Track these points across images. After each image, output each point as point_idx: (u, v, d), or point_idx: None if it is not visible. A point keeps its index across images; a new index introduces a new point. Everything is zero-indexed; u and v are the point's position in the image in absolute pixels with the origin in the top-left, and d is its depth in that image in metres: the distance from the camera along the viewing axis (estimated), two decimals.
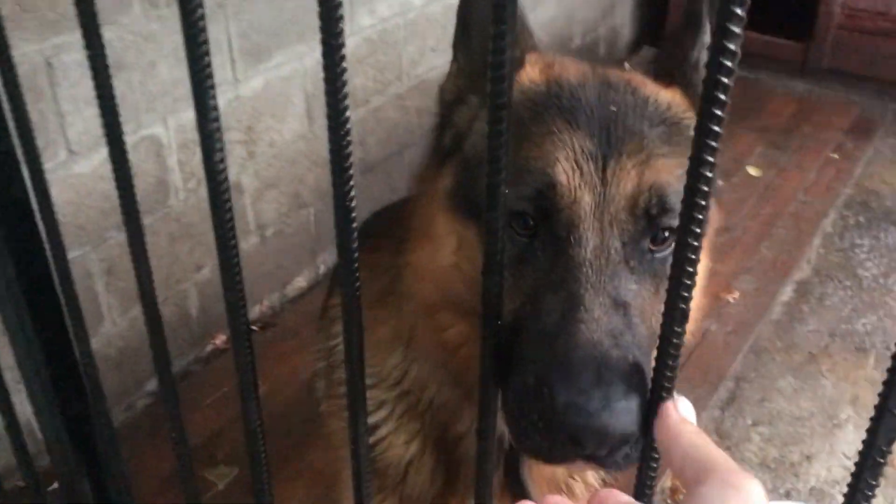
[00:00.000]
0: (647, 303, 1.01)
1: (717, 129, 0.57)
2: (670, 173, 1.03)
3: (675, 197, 0.98)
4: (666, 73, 1.20)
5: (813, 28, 5.16)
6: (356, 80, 3.50)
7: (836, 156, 4.60)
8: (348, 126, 0.71)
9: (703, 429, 0.82)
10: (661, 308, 0.98)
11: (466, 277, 1.14)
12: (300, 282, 3.55)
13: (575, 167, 1.01)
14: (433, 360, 1.35)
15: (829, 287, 3.65)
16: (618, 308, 0.95)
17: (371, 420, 1.42)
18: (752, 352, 3.29)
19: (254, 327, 3.32)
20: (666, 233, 1.04)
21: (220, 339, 3.24)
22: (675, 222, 0.94)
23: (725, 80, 0.55)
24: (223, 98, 2.93)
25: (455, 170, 1.19)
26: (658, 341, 0.91)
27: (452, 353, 1.24)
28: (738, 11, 0.52)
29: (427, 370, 1.38)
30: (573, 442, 0.87)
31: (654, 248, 1.04)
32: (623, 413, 0.83)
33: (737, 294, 3.53)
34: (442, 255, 1.18)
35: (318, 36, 0.68)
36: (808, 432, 2.95)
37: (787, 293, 3.62)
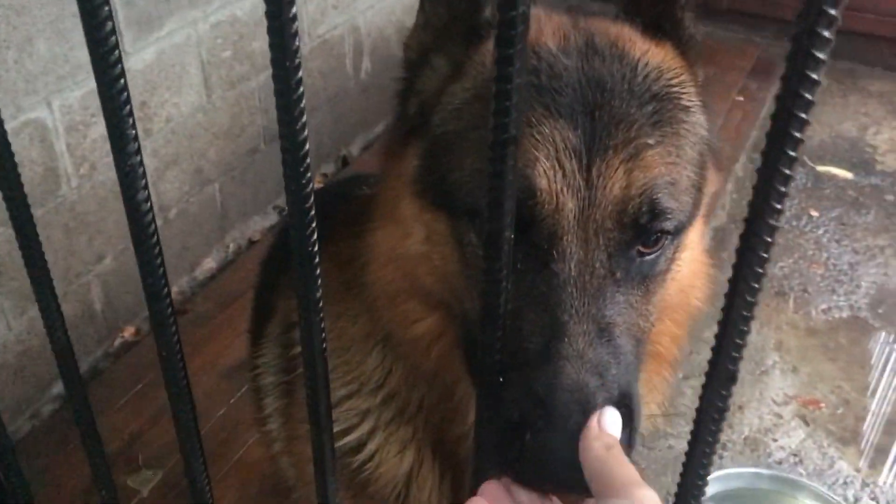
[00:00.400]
0: (635, 311, 0.94)
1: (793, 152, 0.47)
2: (661, 167, 0.93)
3: (667, 196, 0.92)
4: (653, 22, 1.06)
5: None
6: (254, 43, 3.28)
7: (741, 98, 4.63)
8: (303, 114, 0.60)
9: None
10: (651, 308, 0.97)
11: (437, 270, 1.04)
12: (209, 263, 3.35)
13: (557, 167, 0.89)
14: (404, 359, 1.21)
15: None
16: (603, 334, 0.88)
17: (354, 436, 1.25)
18: None
19: None
20: (659, 236, 0.95)
21: (129, 332, 3.04)
22: (668, 225, 0.93)
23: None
24: None
25: (422, 151, 1.06)
26: (645, 338, 0.93)
27: (425, 351, 1.13)
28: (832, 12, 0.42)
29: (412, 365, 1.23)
30: (552, 482, 0.85)
31: (644, 250, 0.95)
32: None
33: None
34: (409, 242, 1.07)
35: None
36: (738, 381, 2.97)
37: (705, 241, 3.63)
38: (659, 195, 0.92)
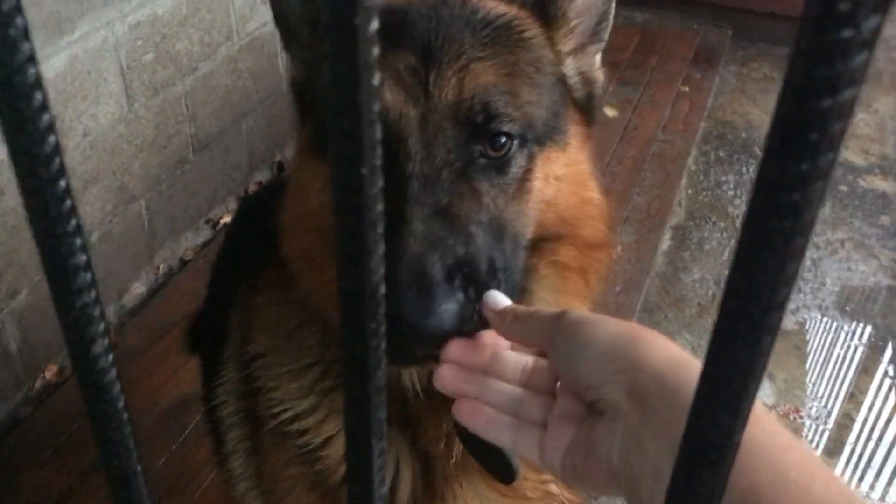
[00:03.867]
0: (494, 207, 1.02)
1: None
2: (492, 76, 1.03)
3: (502, 102, 1.02)
4: None
5: None
6: (179, 45, 2.98)
7: (686, 88, 4.51)
8: None
9: None
10: (516, 211, 1.04)
11: None
12: (138, 288, 3.04)
13: (399, 84, 1.01)
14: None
15: (704, 230, 3.56)
16: (440, 214, 0.96)
17: (319, 439, 1.19)
18: (644, 311, 3.15)
19: None
20: (503, 139, 1.03)
21: (52, 371, 2.71)
22: (507, 128, 1.03)
23: None
24: None
25: (313, 116, 1.16)
26: (521, 240, 1.05)
27: None
28: None
29: None
30: (411, 348, 0.90)
31: (491, 152, 1.03)
32: (445, 315, 0.88)
33: (619, 249, 3.36)
34: (310, 198, 1.13)
35: None
36: None
37: (665, 241, 3.50)
38: (491, 99, 1.02)
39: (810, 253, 3.44)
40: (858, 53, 0.30)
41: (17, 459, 2.45)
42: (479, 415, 0.84)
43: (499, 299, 0.90)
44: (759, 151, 3.98)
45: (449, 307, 0.89)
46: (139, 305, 3.00)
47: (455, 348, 0.88)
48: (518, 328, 0.85)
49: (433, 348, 0.89)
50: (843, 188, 3.83)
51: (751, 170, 3.91)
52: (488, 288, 0.94)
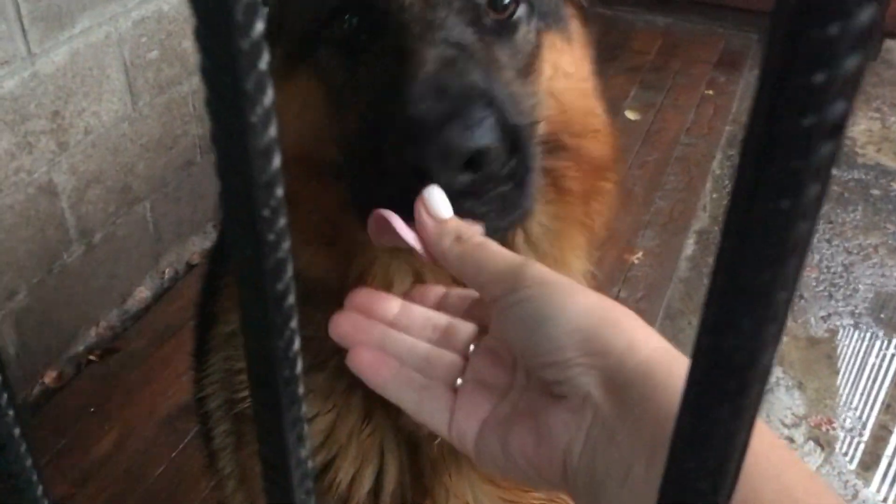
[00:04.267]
0: (500, 67, 0.91)
1: None
2: None
3: None
4: None
5: None
6: (185, 42, 2.90)
7: (710, 92, 4.38)
8: None
9: None
10: (523, 84, 0.92)
11: (318, 133, 0.96)
12: (143, 293, 2.95)
13: None
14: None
15: None
16: (453, 47, 0.84)
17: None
18: (667, 318, 3.01)
19: (91, 356, 2.72)
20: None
21: (50, 377, 2.62)
22: None
23: None
24: (15, 78, 2.28)
25: (283, 39, 1.02)
26: (529, 118, 0.91)
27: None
28: None
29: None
30: (421, 166, 0.74)
31: (496, 15, 0.92)
32: (478, 124, 0.73)
33: (640, 253, 3.23)
34: (289, 127, 0.97)
35: None
36: None
37: (689, 246, 3.36)
38: None
39: (841, 258, 3.29)
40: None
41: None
42: (381, 366, 0.72)
43: (439, 202, 0.73)
44: None
45: (480, 111, 0.75)
46: (143, 310, 2.91)
47: (358, 296, 0.77)
48: (458, 256, 0.69)
49: (459, 168, 0.74)
50: (876, 192, 3.67)
51: None
52: (514, 141, 0.79)
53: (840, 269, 3.24)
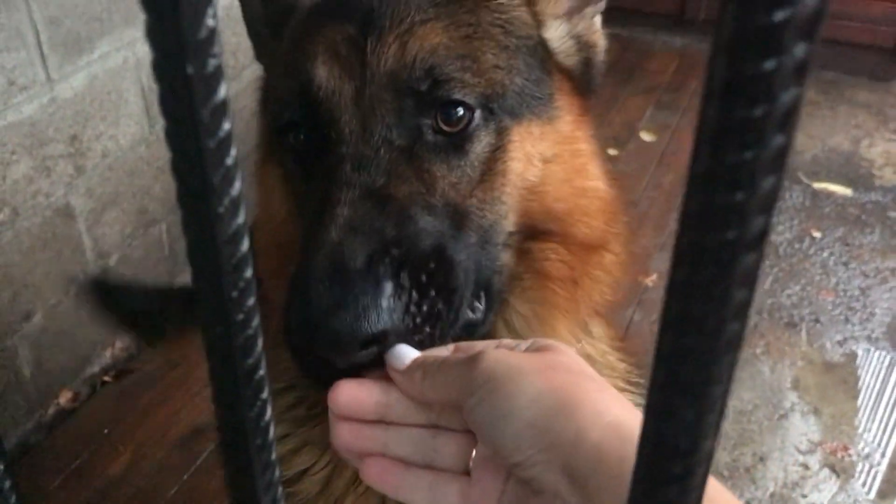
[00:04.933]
0: (450, 189, 0.89)
1: None
2: (443, 38, 0.91)
3: (453, 66, 0.90)
4: None
5: None
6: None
7: None
8: None
9: None
10: (485, 197, 0.91)
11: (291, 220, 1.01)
12: None
13: (333, 58, 0.91)
14: None
15: None
16: (371, 197, 0.83)
17: (291, 472, 1.03)
18: None
19: (106, 377, 2.74)
20: (458, 110, 0.90)
21: (66, 397, 2.65)
22: (459, 95, 0.90)
23: None
24: (34, 104, 2.31)
25: (268, 115, 1.07)
26: (494, 234, 0.92)
27: None
28: None
29: None
30: (328, 357, 0.75)
31: (448, 128, 0.90)
32: (365, 308, 0.74)
33: (654, 276, 3.22)
34: (274, 208, 1.04)
35: None
36: (756, 428, 2.67)
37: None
38: (437, 63, 0.89)
39: (858, 282, 3.26)
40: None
41: (25, 487, 2.38)
42: (389, 476, 0.72)
43: (404, 354, 0.74)
44: (801, 177, 3.83)
45: (369, 298, 0.74)
46: None
47: (341, 396, 0.74)
48: (429, 387, 0.70)
49: (355, 353, 0.74)
50: (894, 214, 3.64)
51: (792, 195, 3.74)
52: (430, 274, 0.79)
53: (857, 292, 3.21)
